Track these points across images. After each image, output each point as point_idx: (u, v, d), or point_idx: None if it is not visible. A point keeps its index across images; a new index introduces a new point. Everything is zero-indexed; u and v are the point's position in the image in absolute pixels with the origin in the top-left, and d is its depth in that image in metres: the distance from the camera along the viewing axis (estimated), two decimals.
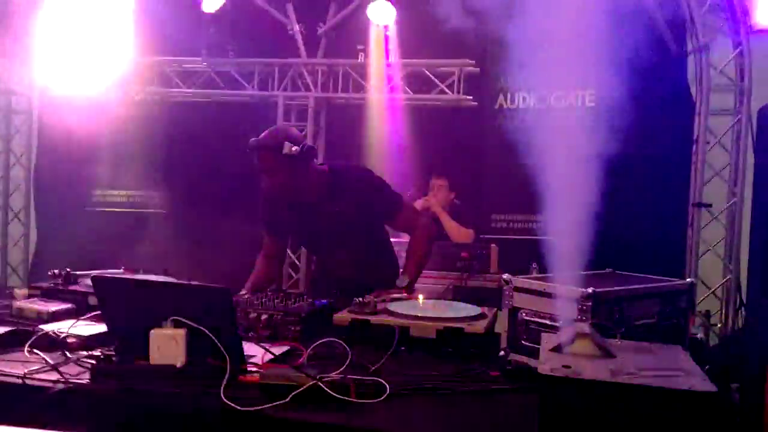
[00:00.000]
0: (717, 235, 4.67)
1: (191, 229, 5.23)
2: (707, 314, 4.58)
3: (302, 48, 5.20)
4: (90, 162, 5.75)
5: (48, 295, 2.20)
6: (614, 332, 1.61)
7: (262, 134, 2.51)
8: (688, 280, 1.99)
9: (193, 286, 1.53)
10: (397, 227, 2.82)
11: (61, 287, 2.22)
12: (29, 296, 2.20)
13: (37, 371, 1.51)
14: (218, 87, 5.34)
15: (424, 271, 2.86)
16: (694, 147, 4.71)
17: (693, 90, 4.73)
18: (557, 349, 1.40)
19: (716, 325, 4.65)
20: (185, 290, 1.54)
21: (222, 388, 1.40)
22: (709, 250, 4.64)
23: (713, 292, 4.63)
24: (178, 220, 5.42)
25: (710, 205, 4.65)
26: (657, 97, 4.61)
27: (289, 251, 5.24)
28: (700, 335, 2.32)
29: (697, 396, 1.16)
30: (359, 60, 5.02)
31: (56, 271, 2.30)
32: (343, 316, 2.03)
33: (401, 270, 2.68)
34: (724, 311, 4.63)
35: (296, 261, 5.27)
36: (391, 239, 2.95)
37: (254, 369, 1.53)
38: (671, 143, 4.74)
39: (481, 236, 4.62)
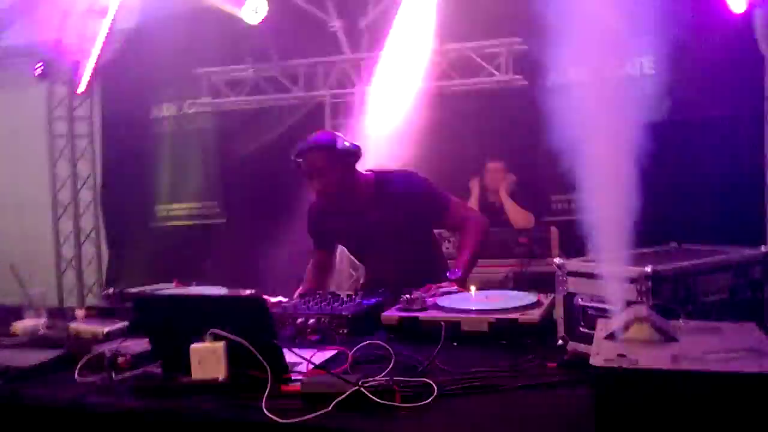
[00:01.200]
0: None
1: (250, 237, 5.32)
2: None
3: (345, 44, 5.17)
4: (150, 179, 5.95)
5: (104, 314, 2.24)
6: (679, 313, 1.48)
7: (308, 139, 2.50)
8: (762, 248, 1.81)
9: (227, 297, 1.52)
10: (447, 226, 2.75)
11: (115, 306, 2.27)
12: (86, 317, 2.25)
13: (85, 395, 1.53)
14: (265, 92, 5.39)
15: (480, 260, 2.79)
16: (766, 105, 4.38)
17: (762, 45, 4.39)
18: (612, 336, 1.29)
19: None
20: (220, 302, 1.52)
21: (263, 400, 1.36)
22: None
23: None
24: (237, 228, 5.53)
25: None
26: (722, 57, 4.31)
27: (348, 252, 5.24)
28: None
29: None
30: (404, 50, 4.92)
31: (111, 290, 2.35)
32: (391, 315, 1.97)
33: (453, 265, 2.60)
34: None
35: (355, 261, 5.25)
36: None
37: (298, 378, 1.49)
38: (742, 103, 4.42)
39: (542, 219, 4.46)
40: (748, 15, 4.32)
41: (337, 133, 2.66)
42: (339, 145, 2.41)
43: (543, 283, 2.46)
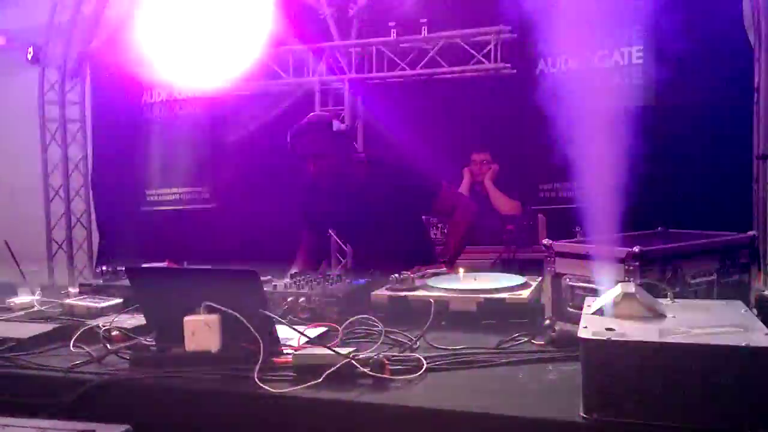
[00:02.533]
0: None
1: (240, 223, 5.31)
2: None
3: (335, 31, 5.16)
4: (141, 163, 5.93)
5: (98, 291, 2.25)
6: (667, 291, 1.51)
7: (303, 121, 2.51)
8: (749, 232, 1.85)
9: (222, 271, 1.52)
10: (437, 211, 2.77)
11: (108, 283, 2.27)
12: (80, 294, 2.26)
13: (80, 365, 1.54)
14: (255, 78, 5.36)
15: (470, 246, 2.82)
16: (756, 96, 4.41)
17: (750, 35, 4.42)
18: (600, 311, 1.32)
19: None
20: (215, 275, 1.53)
21: (256, 371, 1.38)
22: None
23: None
24: (227, 213, 5.52)
25: None
26: (710, 46, 4.35)
27: (336, 238, 5.25)
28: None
29: (756, 352, 1.05)
30: (392, 37, 4.93)
31: (105, 267, 2.35)
32: (380, 293, 1.99)
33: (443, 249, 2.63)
34: None
35: (343, 246, 5.26)
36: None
37: (289, 351, 1.51)
38: (729, 93, 4.46)
39: (530, 208, 4.49)
40: (737, 4, 4.36)
41: (330, 114, 2.67)
42: (334, 127, 2.42)
43: (531, 269, 2.49)
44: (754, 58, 4.37)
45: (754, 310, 1.79)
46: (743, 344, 1.06)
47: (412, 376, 1.38)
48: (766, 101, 4.33)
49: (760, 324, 1.21)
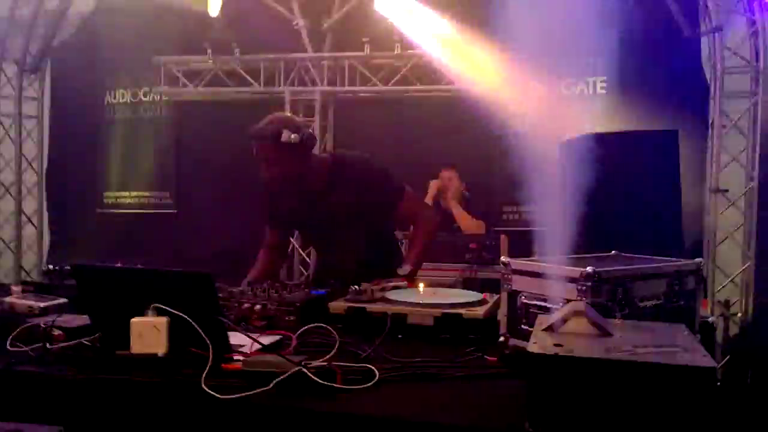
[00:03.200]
0: (735, 221, 4.53)
1: (202, 229, 5.24)
2: (727, 303, 4.44)
3: (308, 43, 5.17)
4: (100, 164, 5.80)
5: (42, 290, 2.18)
6: (616, 312, 1.53)
7: (260, 123, 2.49)
8: (697, 259, 1.90)
9: (174, 273, 1.49)
10: (400, 217, 2.76)
11: (55, 283, 2.20)
12: (23, 292, 2.18)
13: (17, 364, 1.48)
14: (225, 85, 5.33)
15: (432, 264, 2.82)
16: (710, 131, 4.58)
17: (708, 73, 4.60)
18: (550, 328, 1.34)
19: (737, 314, 4.50)
20: (166, 277, 1.50)
21: (203, 376, 1.35)
22: (727, 237, 4.50)
23: (732, 280, 4.49)
24: (188, 219, 5.43)
25: (727, 191, 4.51)
26: (670, 81, 4.51)
27: (298, 248, 5.22)
28: (712, 319, 2.23)
29: (694, 372, 1.08)
30: (365, 53, 4.96)
31: (51, 266, 2.28)
32: (339, 304, 1.97)
33: (403, 261, 2.63)
34: (744, 299, 4.48)
35: (306, 258, 5.23)
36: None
37: (240, 358, 1.48)
38: (685, 128, 4.61)
39: (493, 228, 4.55)
40: (696, 42, 4.54)
41: (288, 117, 2.63)
42: (283, 137, 2.37)
43: (491, 288, 2.51)
44: (709, 95, 4.55)
45: (698, 335, 1.85)
46: (683, 363, 1.09)
47: (364, 386, 1.37)
48: (719, 137, 4.51)
49: (700, 346, 1.24)
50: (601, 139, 4.29)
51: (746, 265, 4.44)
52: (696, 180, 4.53)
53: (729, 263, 4.51)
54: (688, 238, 4.37)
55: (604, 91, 4.79)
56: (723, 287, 4.48)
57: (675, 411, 1.08)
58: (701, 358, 1.13)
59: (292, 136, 2.40)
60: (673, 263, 1.85)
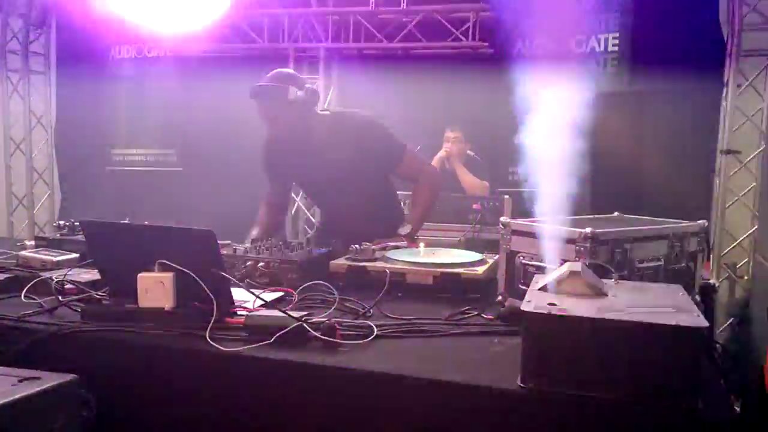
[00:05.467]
0: (745, 184, 4.49)
1: (207, 187, 5.26)
2: (734, 266, 4.44)
3: None
4: (108, 121, 5.80)
5: (54, 245, 2.22)
6: (612, 273, 1.56)
7: (263, 80, 2.47)
8: (699, 221, 1.91)
9: (178, 229, 1.52)
10: (401, 176, 2.77)
11: (66, 237, 2.25)
12: (36, 247, 2.23)
13: (31, 314, 1.53)
14: (229, 41, 5.27)
15: (435, 224, 2.83)
16: (724, 90, 4.50)
17: (724, 30, 4.50)
18: (545, 288, 1.36)
19: (743, 277, 4.50)
20: (171, 233, 1.53)
21: (208, 330, 1.40)
22: (737, 199, 4.47)
23: (740, 243, 4.48)
24: (194, 177, 5.46)
25: (739, 152, 4.46)
26: (685, 39, 4.41)
27: (303, 207, 5.25)
28: (713, 281, 2.25)
29: (684, 331, 1.11)
30: (370, 8, 4.88)
31: (62, 222, 2.32)
32: (339, 262, 2.01)
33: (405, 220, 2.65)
34: (751, 262, 4.48)
35: (311, 218, 5.26)
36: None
37: (243, 313, 1.52)
38: (699, 86, 4.54)
39: (498, 189, 4.54)
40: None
41: (293, 74, 2.60)
42: (290, 95, 2.38)
43: (494, 249, 2.53)
44: (726, 53, 4.45)
45: (697, 297, 1.88)
46: (672, 323, 1.12)
47: (362, 341, 1.41)
48: (734, 97, 4.44)
49: (694, 307, 1.26)
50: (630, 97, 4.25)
51: (754, 228, 4.42)
52: (706, 140, 4.48)
53: (738, 226, 4.49)
54: (695, 199, 4.37)
55: (616, 48, 4.71)
56: (731, 249, 4.47)
57: (663, 370, 1.11)
58: (692, 319, 1.15)
59: (298, 92, 2.40)
60: (675, 225, 1.86)
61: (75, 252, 2.12)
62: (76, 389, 1.20)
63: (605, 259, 1.62)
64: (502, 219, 1.83)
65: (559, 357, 1.16)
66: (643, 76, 4.49)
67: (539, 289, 1.37)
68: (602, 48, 4.78)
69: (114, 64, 5.81)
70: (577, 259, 1.59)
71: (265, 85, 2.45)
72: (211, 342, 1.36)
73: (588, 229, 1.60)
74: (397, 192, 2.96)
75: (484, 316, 1.68)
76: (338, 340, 1.39)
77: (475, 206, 3.77)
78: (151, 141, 5.71)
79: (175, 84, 5.59)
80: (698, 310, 1.23)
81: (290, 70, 2.77)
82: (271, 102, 2.42)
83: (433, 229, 3.40)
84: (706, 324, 1.14)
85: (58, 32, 5.89)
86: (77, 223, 2.29)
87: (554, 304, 1.23)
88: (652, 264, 1.75)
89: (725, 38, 4.44)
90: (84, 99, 5.82)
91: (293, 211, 5.25)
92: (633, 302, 1.29)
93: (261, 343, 1.37)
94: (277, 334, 1.38)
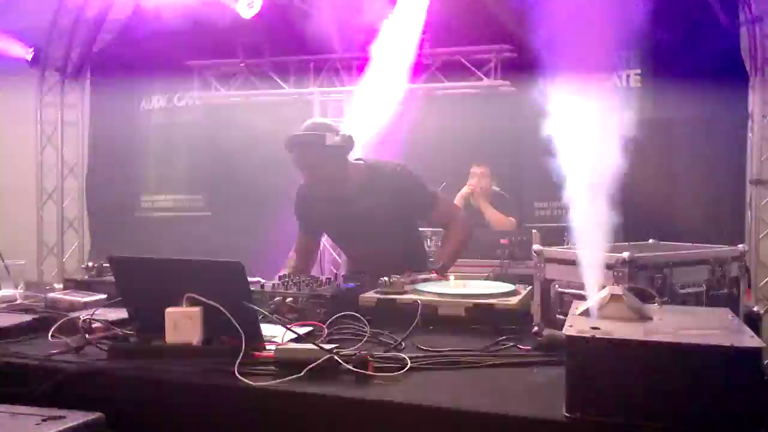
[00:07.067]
0: None
1: (234, 230, 5.29)
2: None
3: (337, 42, 5.19)
4: (137, 169, 5.92)
5: (82, 287, 2.22)
6: (654, 297, 1.49)
7: (300, 130, 2.50)
8: (739, 246, 1.84)
9: (207, 262, 1.50)
10: (433, 223, 2.77)
11: (95, 279, 2.25)
12: (65, 289, 2.23)
13: (57, 354, 1.51)
14: (256, 87, 5.39)
15: (462, 260, 2.81)
16: (750, 122, 4.46)
17: (747, 64, 4.48)
18: (586, 313, 1.30)
19: None
20: (199, 266, 1.51)
21: (236, 364, 1.36)
22: None
23: None
24: (222, 222, 5.50)
25: None
26: (707, 73, 4.39)
27: (329, 247, 5.23)
28: (757, 308, 2.14)
29: (742, 353, 1.04)
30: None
31: (90, 263, 2.33)
32: (369, 296, 1.97)
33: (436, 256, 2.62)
34: None
35: (337, 257, 5.23)
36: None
37: (272, 347, 1.48)
38: (723, 118, 4.50)
39: (525, 225, 4.48)
40: (735, 31, 4.41)
41: (327, 122, 2.65)
42: (328, 141, 2.40)
43: (524, 283, 2.47)
44: (748, 85, 4.42)
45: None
46: (729, 344, 1.05)
47: (395, 373, 1.36)
48: (760, 128, 4.38)
49: (747, 328, 1.19)
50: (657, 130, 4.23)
51: None
52: (734, 170, 4.41)
53: None
54: (727, 228, 4.26)
55: (639, 84, 4.69)
56: (765, 281, 4.33)
57: (723, 396, 1.03)
58: (749, 339, 1.09)
59: (336, 138, 2.42)
60: (714, 249, 1.79)
61: (103, 293, 2.12)
62: (102, 428, 1.17)
63: (645, 285, 1.55)
64: (534, 247, 1.78)
65: (606, 384, 1.09)
66: (667, 109, 4.47)
67: (580, 314, 1.31)
68: (624, 84, 4.77)
69: (144, 114, 5.96)
70: (616, 284, 1.52)
71: (302, 134, 2.48)
72: (240, 377, 1.32)
73: (625, 254, 1.54)
74: (419, 228, 2.95)
75: (520, 347, 1.62)
76: (371, 373, 1.34)
77: (503, 241, 3.71)
78: (179, 187, 5.80)
79: (202, 131, 5.71)
80: (752, 332, 1.16)
81: (325, 119, 2.81)
82: (309, 149, 2.44)
83: (461, 265, 3.35)
84: (763, 345, 1.07)
85: (92, 84, 6.09)
86: (106, 265, 2.29)
87: (597, 328, 1.17)
88: (693, 290, 1.67)
89: (747, 70, 4.42)
90: (114, 147, 5.97)
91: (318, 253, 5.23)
92: (681, 325, 1.22)
93: (291, 377, 1.32)
94: (308, 367, 1.33)
